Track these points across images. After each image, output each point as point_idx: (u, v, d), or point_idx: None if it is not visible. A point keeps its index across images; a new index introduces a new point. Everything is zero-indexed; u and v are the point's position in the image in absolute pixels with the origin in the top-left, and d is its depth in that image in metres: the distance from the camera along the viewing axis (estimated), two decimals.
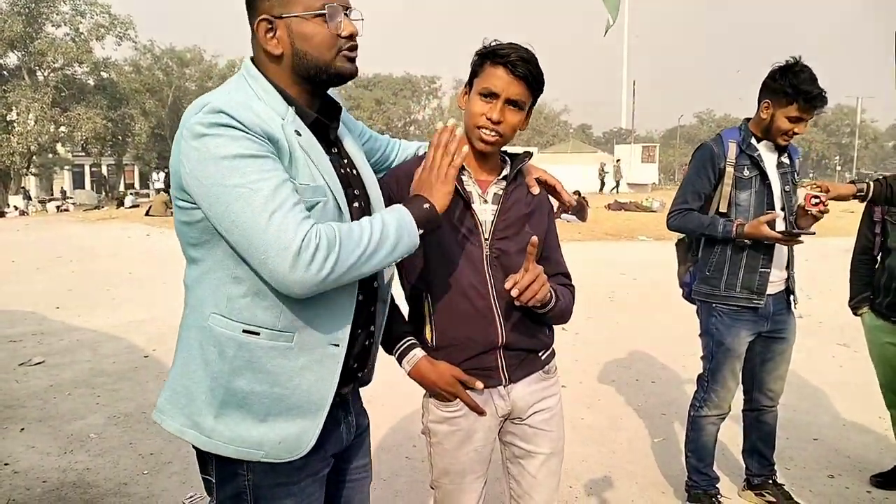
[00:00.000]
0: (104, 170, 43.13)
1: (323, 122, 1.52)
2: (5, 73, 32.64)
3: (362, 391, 1.80)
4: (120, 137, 37.00)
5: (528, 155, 1.93)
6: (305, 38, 1.44)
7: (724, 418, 3.13)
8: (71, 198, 31.33)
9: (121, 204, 27.94)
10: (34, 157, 32.85)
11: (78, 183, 42.47)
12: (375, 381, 1.77)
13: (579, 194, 18.85)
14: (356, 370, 1.63)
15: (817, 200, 2.77)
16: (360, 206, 1.57)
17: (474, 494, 1.90)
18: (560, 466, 1.98)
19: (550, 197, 2.03)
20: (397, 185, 1.80)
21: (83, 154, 37.94)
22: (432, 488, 1.95)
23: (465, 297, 1.78)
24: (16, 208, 26.42)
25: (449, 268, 1.78)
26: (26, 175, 33.63)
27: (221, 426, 1.43)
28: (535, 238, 1.65)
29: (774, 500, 3.20)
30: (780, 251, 2.93)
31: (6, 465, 3.67)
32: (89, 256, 12.41)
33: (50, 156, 35.29)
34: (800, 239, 2.81)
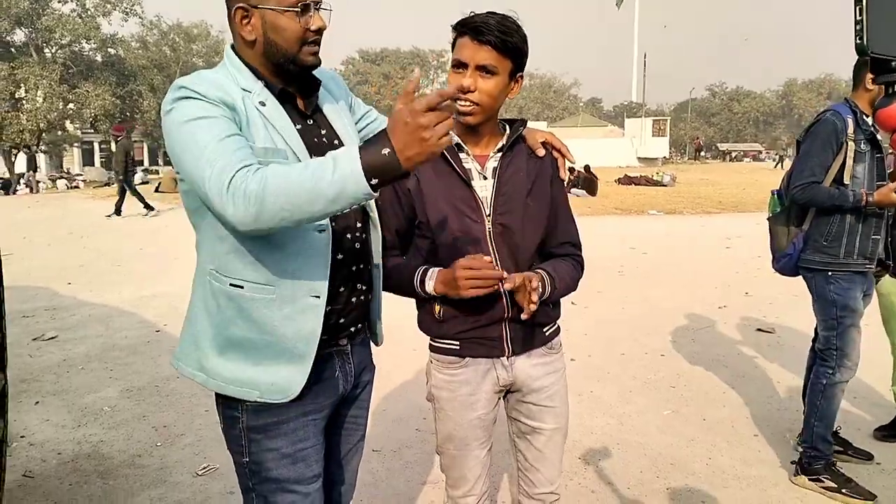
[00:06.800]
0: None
1: (289, 92, 1.61)
2: (13, 49, 32.55)
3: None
4: (128, 114, 36.97)
5: (523, 122, 1.92)
6: (277, 30, 1.53)
7: (851, 378, 3.19)
8: (80, 174, 31.34)
9: None
10: (43, 135, 32.87)
11: (87, 160, 42.51)
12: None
13: (588, 169, 18.75)
14: (346, 325, 1.71)
15: None
16: None
17: (477, 461, 1.93)
18: (564, 440, 2.01)
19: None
20: None
21: (92, 131, 37.92)
22: (438, 454, 1.99)
23: None
24: (26, 185, 26.51)
25: (454, 246, 1.80)
26: (36, 152, 33.67)
27: (222, 368, 1.59)
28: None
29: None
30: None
31: (22, 437, 3.72)
32: (99, 233, 12.49)
33: (59, 133, 35.28)
34: None
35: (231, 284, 1.56)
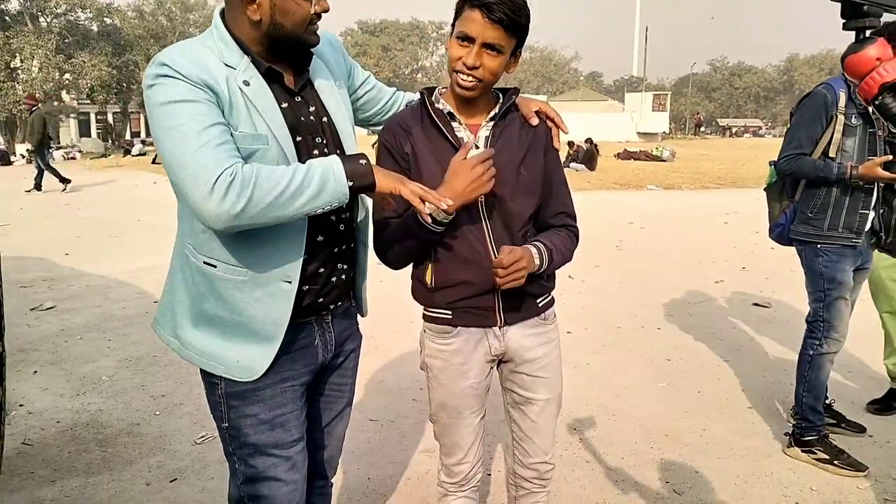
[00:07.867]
0: (110, 118, 42.77)
1: (276, 70, 1.57)
2: (7, 18, 32.16)
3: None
4: (125, 85, 36.69)
5: (516, 91, 1.89)
6: (286, 14, 1.51)
7: (839, 351, 3.21)
8: (77, 145, 31.17)
9: (127, 152, 27.84)
10: (39, 105, 32.60)
11: (84, 131, 42.22)
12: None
13: (591, 142, 18.67)
14: (326, 304, 1.71)
15: None
16: (322, 154, 1.62)
17: (470, 429, 1.94)
18: (558, 410, 2.02)
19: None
20: (393, 136, 1.82)
21: (89, 102, 37.65)
22: (431, 422, 2.01)
23: (463, 242, 1.79)
24: (22, 156, 26.38)
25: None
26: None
27: (195, 340, 1.62)
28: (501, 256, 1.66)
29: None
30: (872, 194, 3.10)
31: (21, 405, 3.74)
32: (97, 204, 12.46)
33: (55, 104, 35.02)
34: None
35: (205, 262, 1.56)
